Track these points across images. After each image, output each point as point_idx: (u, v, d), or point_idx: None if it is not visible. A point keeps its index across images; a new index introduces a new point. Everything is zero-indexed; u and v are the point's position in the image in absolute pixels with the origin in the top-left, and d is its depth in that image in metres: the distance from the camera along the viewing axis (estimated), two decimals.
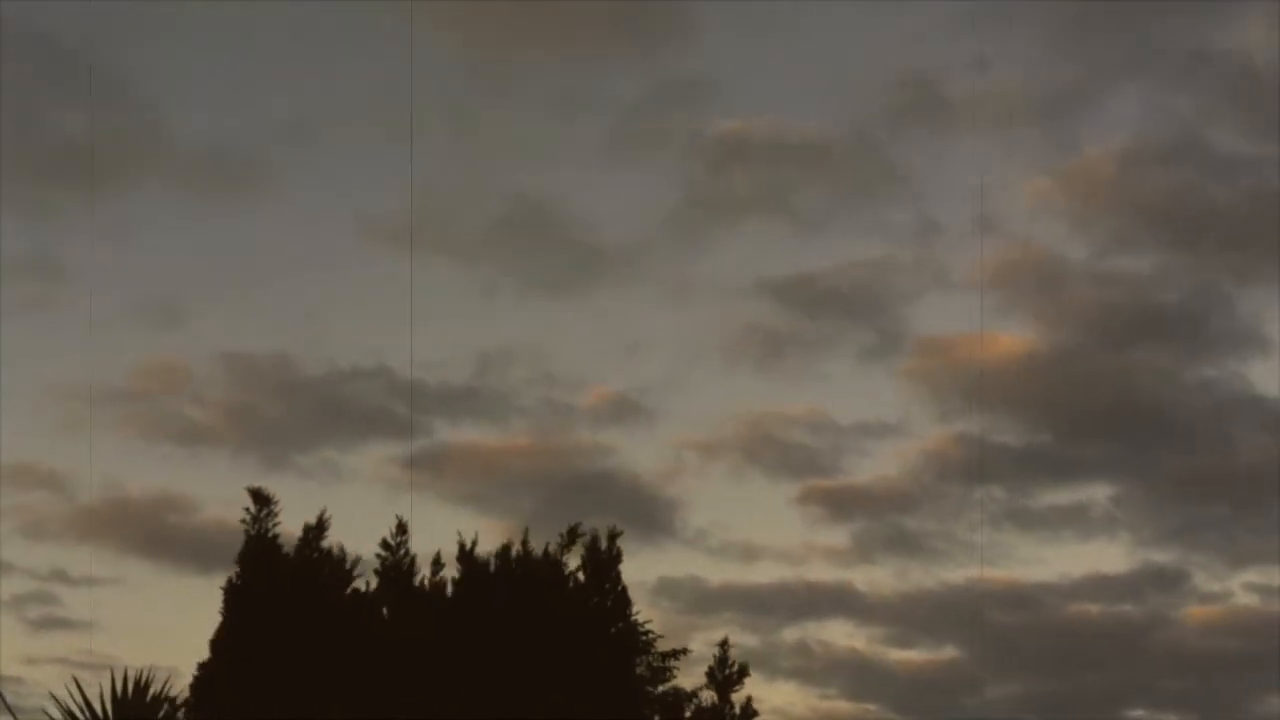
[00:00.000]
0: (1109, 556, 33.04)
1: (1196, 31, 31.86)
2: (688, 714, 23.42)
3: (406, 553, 22.41)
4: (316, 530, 22.47)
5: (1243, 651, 26.70)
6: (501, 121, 32.84)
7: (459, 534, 22.66)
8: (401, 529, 22.51)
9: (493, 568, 22.38)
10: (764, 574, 31.56)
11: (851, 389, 32.00)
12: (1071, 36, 32.92)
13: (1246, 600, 28.46)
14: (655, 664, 23.19)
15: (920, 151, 32.73)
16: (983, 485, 28.78)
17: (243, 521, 22.30)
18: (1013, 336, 31.04)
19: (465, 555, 22.46)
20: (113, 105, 33.08)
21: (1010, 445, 30.20)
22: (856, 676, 28.63)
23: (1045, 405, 29.88)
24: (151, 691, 17.59)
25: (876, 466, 32.00)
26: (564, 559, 22.69)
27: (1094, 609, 29.54)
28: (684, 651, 23.51)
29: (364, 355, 33.63)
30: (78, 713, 17.10)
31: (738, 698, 23.71)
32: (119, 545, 32.99)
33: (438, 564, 22.51)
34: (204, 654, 21.52)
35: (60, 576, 32.48)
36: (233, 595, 21.88)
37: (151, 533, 32.80)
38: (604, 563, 22.73)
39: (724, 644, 23.87)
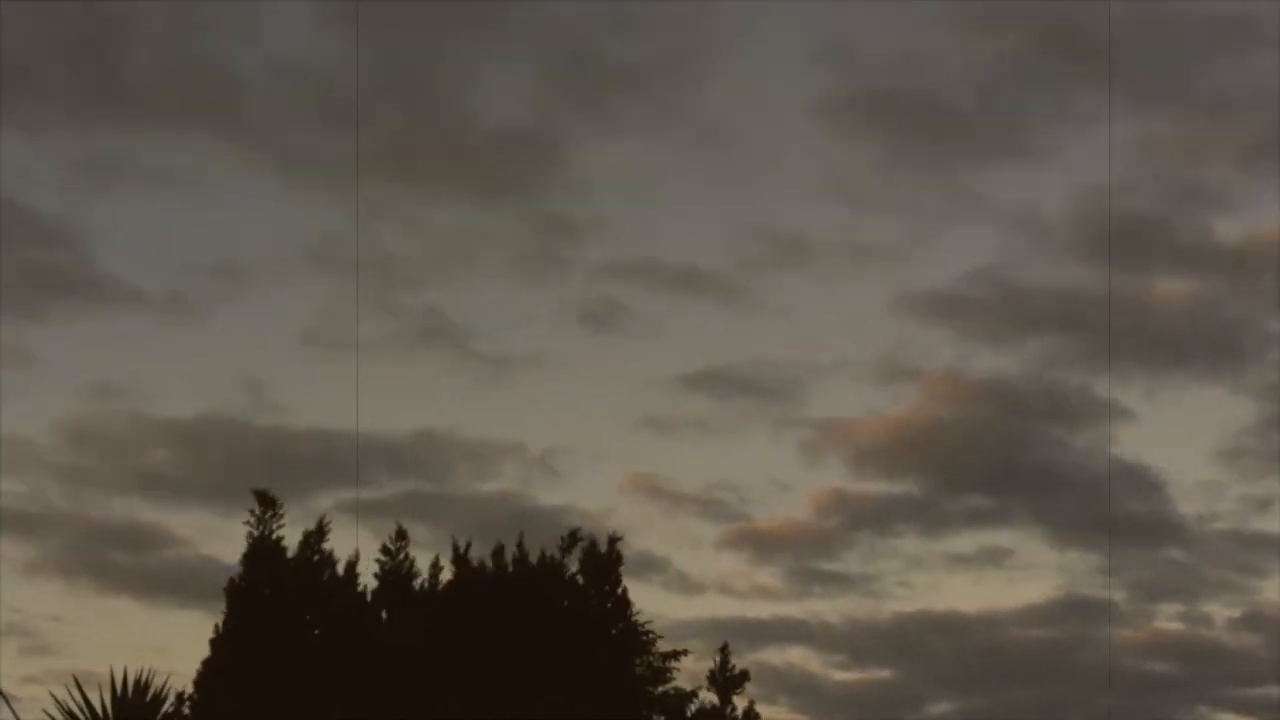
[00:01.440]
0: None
1: None
2: (688, 714, 23.56)
3: (406, 556, 22.51)
4: (317, 534, 22.56)
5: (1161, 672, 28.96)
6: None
7: (454, 537, 22.85)
8: (401, 535, 22.63)
9: (488, 570, 22.46)
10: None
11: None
12: None
13: (1166, 626, 30.44)
14: (655, 664, 23.30)
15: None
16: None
17: (246, 523, 22.41)
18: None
19: (460, 558, 22.56)
20: None
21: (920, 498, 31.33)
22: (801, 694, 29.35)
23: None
24: (151, 691, 17.59)
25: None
26: (564, 561, 22.77)
27: (1013, 635, 31.06)
28: (684, 652, 23.69)
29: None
30: (78, 713, 17.10)
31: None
32: None
33: (436, 567, 22.63)
34: None
35: None
36: (235, 595, 21.98)
37: None
38: (603, 565, 22.86)
39: (724, 649, 24.11)
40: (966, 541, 32.19)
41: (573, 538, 23.01)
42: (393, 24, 30.53)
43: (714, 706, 23.83)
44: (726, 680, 24.01)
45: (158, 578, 30.80)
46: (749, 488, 33.71)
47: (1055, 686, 29.90)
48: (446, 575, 22.77)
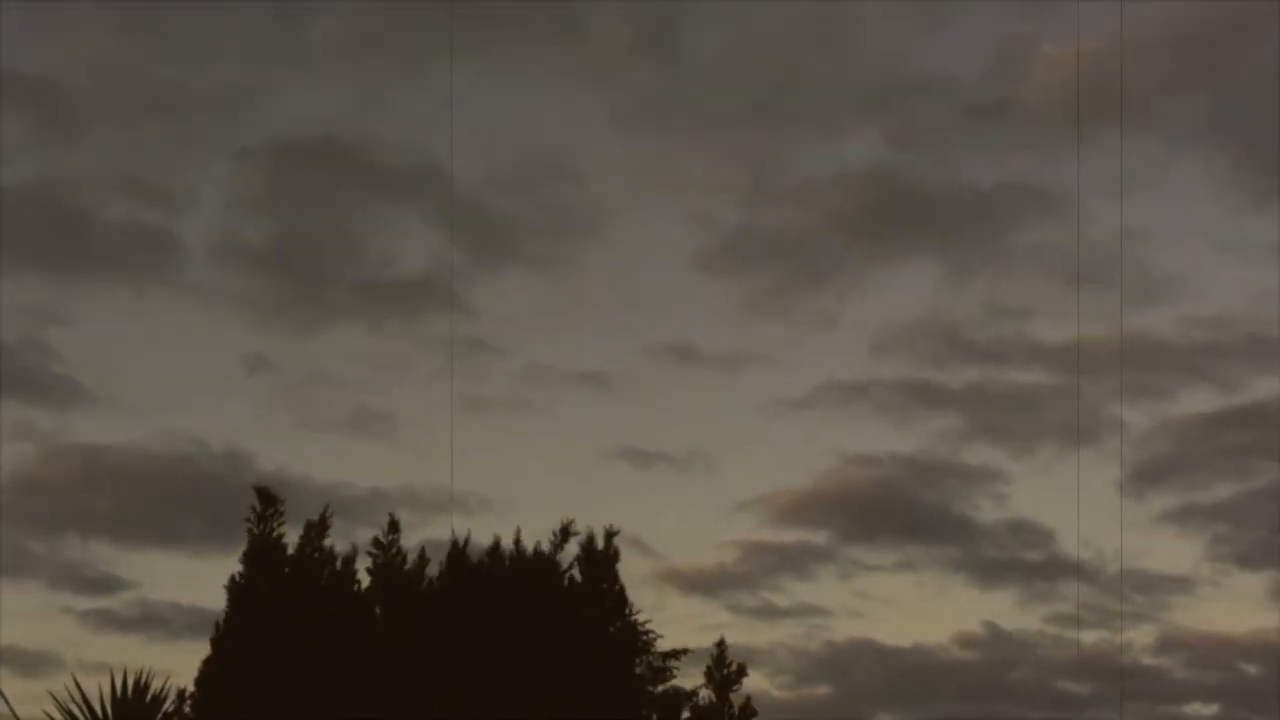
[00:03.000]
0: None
1: None
2: (686, 714, 23.58)
3: (398, 550, 22.54)
4: (319, 528, 22.58)
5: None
6: None
7: (452, 531, 22.92)
8: (394, 526, 22.64)
9: (484, 566, 22.47)
10: None
11: None
12: None
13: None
14: (655, 664, 23.31)
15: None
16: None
17: (247, 520, 22.44)
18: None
19: (457, 553, 22.55)
20: None
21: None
22: None
23: None
24: (151, 691, 17.67)
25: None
26: (557, 557, 22.78)
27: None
28: (684, 652, 23.69)
29: None
30: (78, 712, 17.18)
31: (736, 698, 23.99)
32: None
33: (423, 558, 22.62)
34: None
35: None
36: (236, 592, 22.03)
37: None
38: (600, 562, 22.86)
39: (720, 644, 24.10)
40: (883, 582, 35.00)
41: (565, 532, 22.97)
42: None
43: (711, 703, 23.83)
44: (724, 677, 24.01)
45: None
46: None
47: (987, 704, 33.04)
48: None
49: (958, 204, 36.25)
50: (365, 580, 22.62)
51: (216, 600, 22.31)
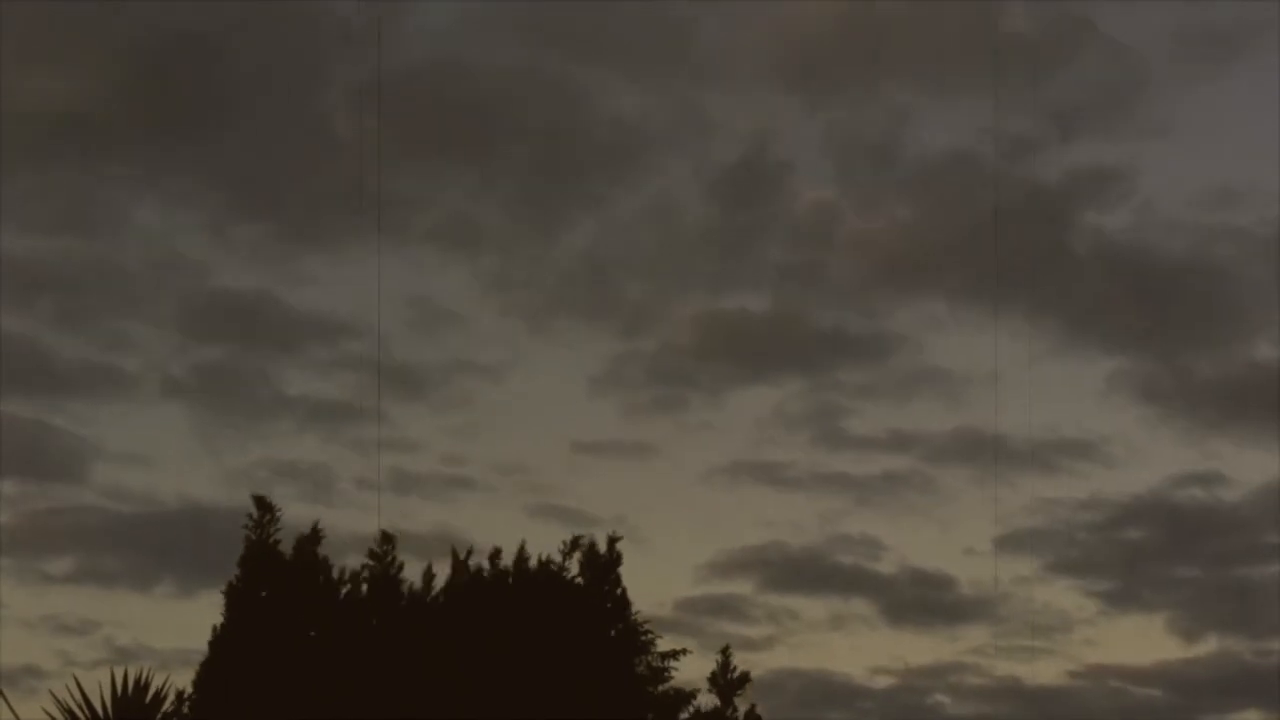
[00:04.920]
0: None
1: None
2: (686, 715, 23.52)
3: (394, 560, 22.39)
4: (311, 538, 22.49)
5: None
6: None
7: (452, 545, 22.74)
8: (387, 539, 22.54)
9: (487, 572, 22.42)
10: None
11: None
12: None
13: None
14: (655, 664, 23.25)
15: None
16: None
17: (245, 527, 22.32)
18: None
19: (459, 562, 22.50)
20: None
21: None
22: None
23: None
24: (151, 691, 17.58)
25: None
26: (566, 565, 22.76)
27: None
28: (684, 652, 23.61)
29: None
30: (77, 712, 17.08)
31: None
32: None
33: (429, 571, 22.56)
34: None
35: None
36: (233, 598, 21.90)
37: None
38: (603, 566, 22.78)
39: (725, 650, 24.08)
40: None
41: (574, 543, 22.94)
42: None
43: (715, 708, 23.74)
44: (727, 682, 23.95)
45: None
46: None
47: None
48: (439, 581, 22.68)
49: None
50: (362, 586, 22.48)
51: None
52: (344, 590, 22.29)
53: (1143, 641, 37.84)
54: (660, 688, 23.14)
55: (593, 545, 22.97)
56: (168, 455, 37.49)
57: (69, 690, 17.08)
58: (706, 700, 23.75)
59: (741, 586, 36.15)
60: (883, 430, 38.04)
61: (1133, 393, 38.32)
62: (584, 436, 37.26)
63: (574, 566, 22.82)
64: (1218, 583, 36.56)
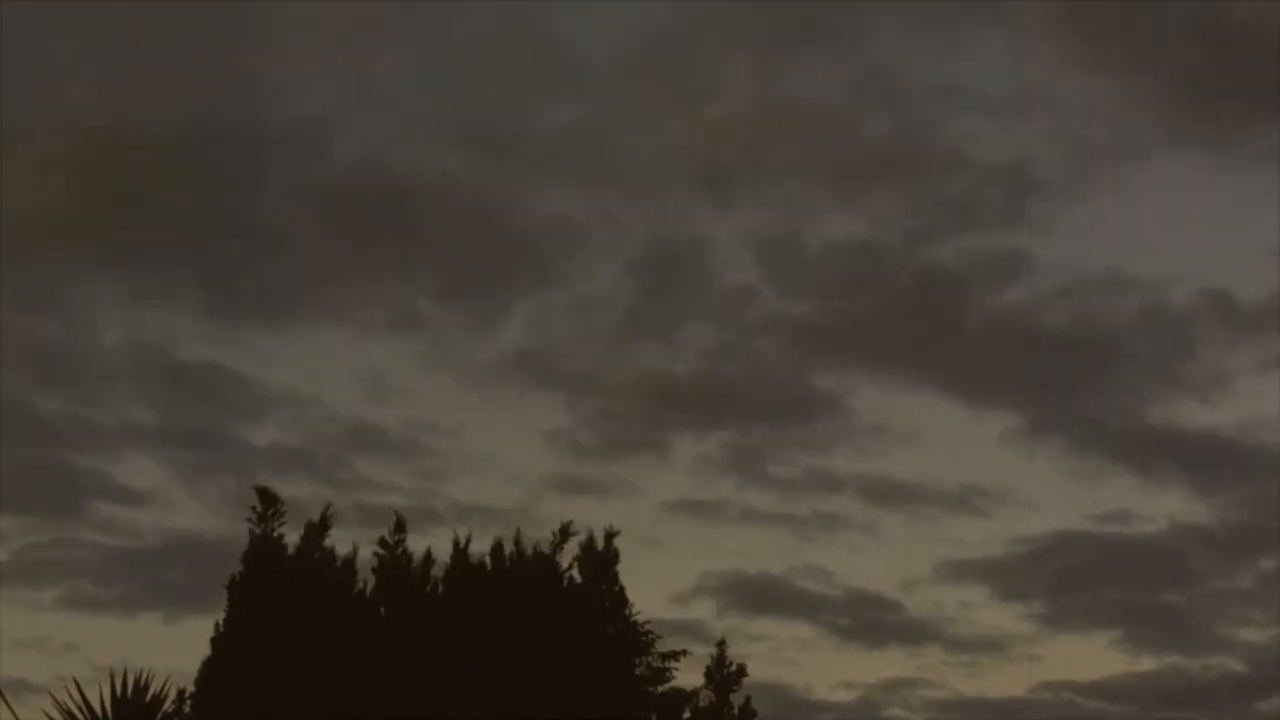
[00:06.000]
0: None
1: None
2: (686, 714, 23.60)
3: (404, 551, 22.54)
4: (319, 528, 22.57)
5: None
6: None
7: (454, 532, 22.91)
8: (399, 526, 22.64)
9: (488, 566, 22.47)
10: None
11: None
12: None
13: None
14: (655, 664, 23.33)
15: None
16: None
17: (248, 520, 22.43)
18: None
19: (459, 554, 22.54)
20: None
21: None
22: None
23: None
24: (151, 691, 17.69)
25: None
26: (557, 557, 22.78)
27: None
28: (683, 652, 23.69)
29: None
30: (77, 713, 17.20)
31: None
32: None
33: (428, 559, 22.62)
34: None
35: None
36: (236, 593, 22.02)
37: None
38: (601, 563, 22.86)
39: (721, 644, 24.16)
40: None
41: (564, 532, 22.98)
42: None
43: (711, 703, 23.86)
44: (723, 677, 24.04)
45: None
46: None
47: None
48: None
49: None
50: (367, 580, 22.60)
51: None
52: (354, 586, 22.41)
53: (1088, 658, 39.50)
54: (660, 688, 23.22)
55: (590, 542, 23.03)
56: None
57: (69, 691, 17.19)
58: (702, 696, 23.90)
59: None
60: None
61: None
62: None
63: (565, 560, 22.89)
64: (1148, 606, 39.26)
